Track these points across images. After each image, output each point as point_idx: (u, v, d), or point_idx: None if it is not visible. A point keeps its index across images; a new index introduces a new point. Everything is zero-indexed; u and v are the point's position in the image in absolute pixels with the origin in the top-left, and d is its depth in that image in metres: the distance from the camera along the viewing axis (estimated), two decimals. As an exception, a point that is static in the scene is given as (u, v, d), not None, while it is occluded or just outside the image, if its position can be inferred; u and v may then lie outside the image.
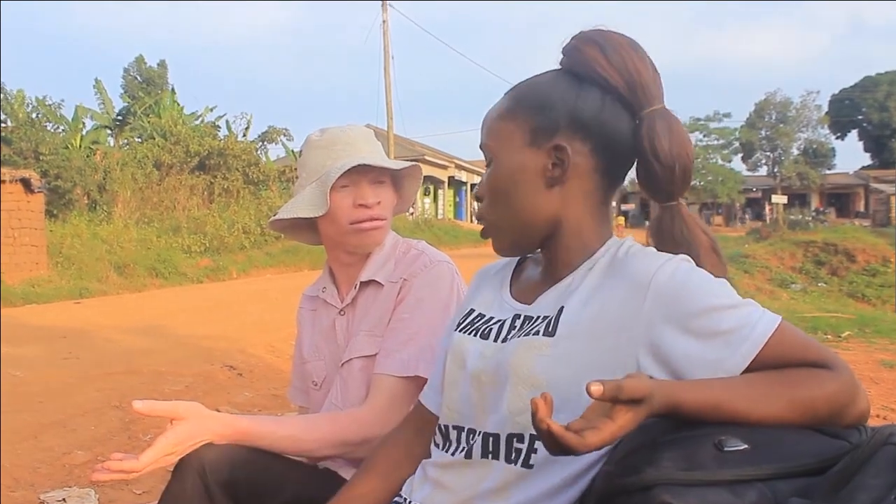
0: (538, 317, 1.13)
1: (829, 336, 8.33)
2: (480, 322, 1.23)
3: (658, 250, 1.12)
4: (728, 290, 1.03)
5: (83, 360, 5.87)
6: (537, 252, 1.23)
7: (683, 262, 1.06)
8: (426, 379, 1.48)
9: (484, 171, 1.22)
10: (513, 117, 1.15)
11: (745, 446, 0.88)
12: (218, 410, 4.35)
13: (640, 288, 1.04)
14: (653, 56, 1.15)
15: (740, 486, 0.83)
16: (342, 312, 1.78)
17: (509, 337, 1.15)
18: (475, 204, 1.23)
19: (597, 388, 0.85)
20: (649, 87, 1.12)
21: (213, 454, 1.42)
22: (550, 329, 1.09)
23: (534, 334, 1.10)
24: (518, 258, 1.31)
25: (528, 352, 1.09)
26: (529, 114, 1.14)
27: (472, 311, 1.28)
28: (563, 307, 1.10)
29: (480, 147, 1.21)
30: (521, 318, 1.16)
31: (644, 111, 1.12)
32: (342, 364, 1.73)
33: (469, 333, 1.23)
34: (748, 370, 0.97)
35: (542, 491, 1.07)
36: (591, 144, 1.12)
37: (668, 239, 1.15)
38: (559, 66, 1.17)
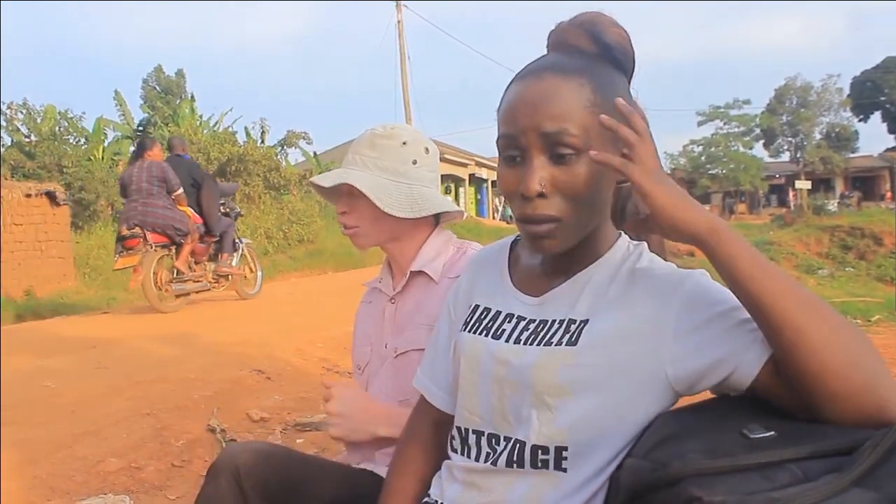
0: (553, 321, 1.12)
1: (858, 321, 8.24)
2: (488, 319, 1.22)
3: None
4: None
5: (113, 370, 5.92)
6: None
7: (702, 275, 1.06)
8: None
9: (538, 164, 1.07)
10: (595, 111, 1.05)
11: (772, 433, 0.87)
12: (248, 414, 4.37)
13: (666, 298, 1.05)
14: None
15: (771, 470, 0.82)
16: (392, 300, 1.85)
17: (525, 341, 1.13)
18: (532, 198, 1.06)
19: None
20: None
21: (247, 456, 1.44)
22: (573, 339, 1.08)
23: (556, 344, 1.09)
24: (511, 242, 1.30)
25: (551, 361, 1.08)
26: (611, 109, 1.05)
27: (476, 306, 1.27)
28: (587, 320, 1.09)
29: (544, 133, 1.04)
30: (536, 321, 1.15)
31: None
32: (397, 355, 1.77)
33: (479, 333, 1.21)
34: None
35: (573, 486, 1.07)
36: None
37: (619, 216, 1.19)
38: (589, 50, 1.11)
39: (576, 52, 1.11)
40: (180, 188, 8.35)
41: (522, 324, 1.16)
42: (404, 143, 1.81)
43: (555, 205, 1.06)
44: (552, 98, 1.05)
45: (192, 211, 8.70)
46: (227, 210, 9.54)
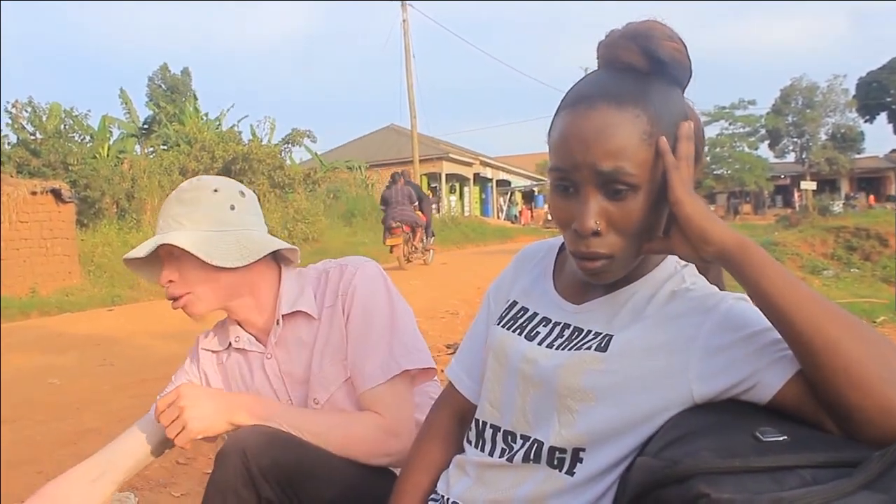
0: (589, 331, 1.12)
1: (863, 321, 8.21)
2: (524, 318, 1.22)
3: None
4: None
5: (117, 368, 5.93)
6: None
7: (740, 299, 1.04)
8: (413, 370, 1.57)
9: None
10: (652, 142, 1.01)
11: (784, 437, 0.87)
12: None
13: (699, 316, 1.03)
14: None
15: (780, 473, 0.82)
16: (269, 356, 1.74)
17: (557, 346, 1.13)
18: (586, 237, 1.04)
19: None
20: None
21: (254, 438, 1.43)
22: (602, 345, 1.08)
23: (585, 349, 1.09)
24: (561, 244, 1.28)
25: (578, 365, 1.07)
26: (665, 131, 1.03)
27: (514, 303, 1.26)
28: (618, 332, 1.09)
29: (599, 172, 1.01)
30: (571, 327, 1.15)
31: None
32: (321, 404, 1.68)
33: (513, 330, 1.21)
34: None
35: (581, 485, 1.08)
36: None
37: None
38: (643, 67, 1.04)
39: (628, 72, 1.05)
40: (416, 201, 15.05)
41: (557, 329, 1.16)
42: (215, 191, 1.67)
43: (608, 242, 1.04)
44: (607, 133, 1.00)
45: (420, 213, 15.30)
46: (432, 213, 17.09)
